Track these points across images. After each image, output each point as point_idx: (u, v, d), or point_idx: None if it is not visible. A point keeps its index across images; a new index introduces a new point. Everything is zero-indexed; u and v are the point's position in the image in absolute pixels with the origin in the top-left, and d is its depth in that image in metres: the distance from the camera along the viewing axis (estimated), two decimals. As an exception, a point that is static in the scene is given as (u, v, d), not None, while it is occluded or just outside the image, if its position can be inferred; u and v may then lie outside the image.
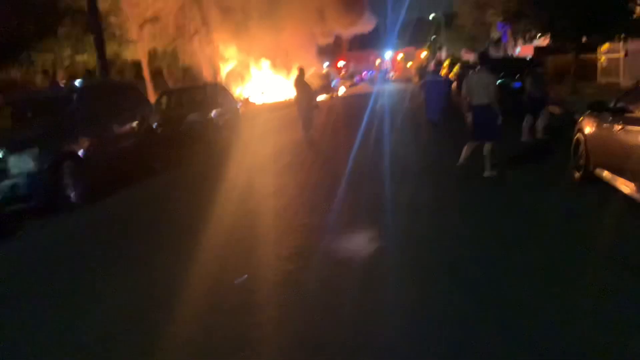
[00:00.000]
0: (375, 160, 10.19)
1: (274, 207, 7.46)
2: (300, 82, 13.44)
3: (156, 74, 49.23)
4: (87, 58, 27.11)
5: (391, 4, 68.58)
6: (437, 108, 15.88)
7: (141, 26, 32.47)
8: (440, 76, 17.98)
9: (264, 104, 30.67)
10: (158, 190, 9.85)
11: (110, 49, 35.64)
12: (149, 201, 8.89)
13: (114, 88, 11.09)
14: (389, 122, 16.65)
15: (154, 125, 11.70)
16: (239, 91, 34.04)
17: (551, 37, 18.20)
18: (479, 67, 8.32)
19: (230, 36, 32.59)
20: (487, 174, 8.01)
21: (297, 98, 13.53)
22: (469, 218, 6.18)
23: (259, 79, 34.94)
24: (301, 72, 13.47)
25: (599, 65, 22.60)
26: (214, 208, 7.67)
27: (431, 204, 6.95)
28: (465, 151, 8.28)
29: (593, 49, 21.12)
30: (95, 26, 16.05)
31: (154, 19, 32.11)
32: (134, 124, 10.67)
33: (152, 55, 39.44)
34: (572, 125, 8.50)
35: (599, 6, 15.96)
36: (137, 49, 35.42)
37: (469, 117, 8.17)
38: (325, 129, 16.44)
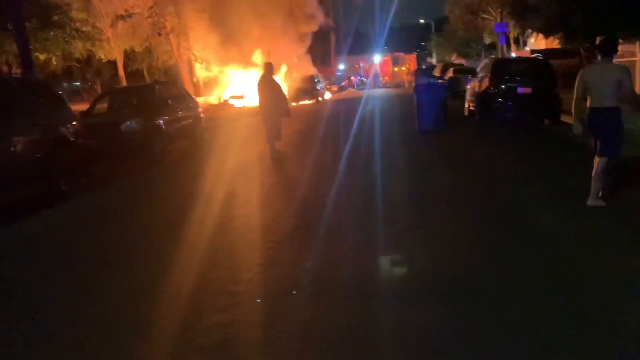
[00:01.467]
0: (365, 190, 7.34)
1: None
2: (267, 82, 10.62)
3: (136, 75, 46.45)
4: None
5: (379, 9, 66.05)
6: (432, 116, 13.13)
7: (112, 24, 29.53)
8: (436, 77, 15.13)
9: (243, 107, 27.79)
10: (47, 225, 6.97)
11: (83, 47, 32.90)
12: (20, 245, 6.02)
13: (8, 87, 8.21)
14: (380, 131, 13.86)
15: (72, 133, 8.84)
16: (216, 94, 31.16)
17: (562, 37, 15.47)
18: (600, 57, 5.65)
19: (208, 35, 29.71)
20: (591, 202, 5.68)
21: (262, 102, 10.71)
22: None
23: (239, 80, 32.02)
24: (268, 69, 10.65)
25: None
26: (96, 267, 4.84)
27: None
28: (597, 177, 5.67)
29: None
30: (14, 15, 13.16)
31: (127, 16, 29.12)
32: (35, 133, 7.81)
33: (130, 54, 36.59)
34: None
35: (621, 1, 13.29)
36: (111, 47, 32.56)
37: (578, 126, 5.85)
38: (300, 141, 13.61)
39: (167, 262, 4.90)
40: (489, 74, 13.16)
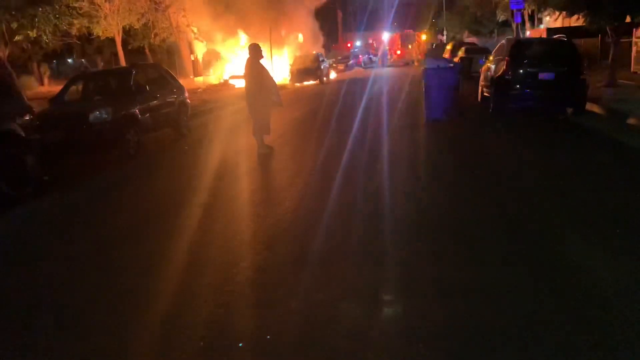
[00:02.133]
0: (362, 212, 5.98)
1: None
2: (253, 67, 9.22)
3: (138, 53, 44.93)
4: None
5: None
6: (442, 104, 11.69)
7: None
8: (447, 60, 13.62)
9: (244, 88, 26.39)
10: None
11: (79, 24, 31.43)
12: None
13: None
14: (385, 121, 12.44)
15: (26, 127, 7.55)
16: (217, 72, 29.64)
17: (587, 16, 13.79)
18: None
19: (208, 10, 28.07)
20: None
21: (248, 90, 9.32)
22: None
23: (241, 59, 30.40)
24: (254, 51, 9.23)
25: (633, 50, 18.31)
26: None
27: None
28: None
29: (626, 32, 16.79)
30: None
31: (121, -10, 27.54)
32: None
33: (129, 32, 35.06)
34: None
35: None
36: (109, 24, 31.06)
37: None
38: (295, 133, 12.23)
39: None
40: (506, 57, 11.64)
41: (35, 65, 37.98)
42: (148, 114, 10.50)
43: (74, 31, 33.15)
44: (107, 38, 36.72)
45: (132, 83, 10.41)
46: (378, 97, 18.22)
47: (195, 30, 28.24)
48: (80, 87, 11.11)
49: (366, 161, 8.22)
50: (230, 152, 9.99)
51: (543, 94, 11.30)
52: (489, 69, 13.34)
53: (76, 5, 26.56)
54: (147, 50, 42.84)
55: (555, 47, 12.01)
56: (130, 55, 45.01)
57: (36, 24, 21.84)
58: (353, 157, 8.59)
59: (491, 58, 13.65)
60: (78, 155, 9.39)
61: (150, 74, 11.43)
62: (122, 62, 35.26)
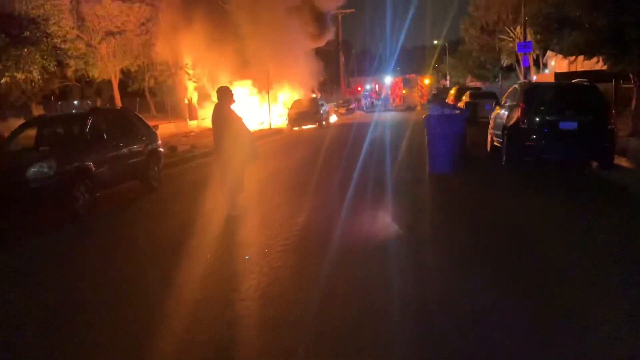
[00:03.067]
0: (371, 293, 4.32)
1: None
2: (222, 115, 7.66)
3: (138, 96, 44.05)
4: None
5: (390, 29, 63.49)
6: (447, 156, 10.08)
7: (101, 41, 27.05)
8: (452, 106, 12.09)
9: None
10: None
11: (75, 65, 30.51)
12: None
13: None
14: (386, 175, 10.82)
15: None
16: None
17: (610, 58, 12.26)
18: None
19: (204, 52, 26.99)
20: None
21: (217, 142, 7.73)
22: None
23: (237, 100, 29.21)
24: (224, 96, 7.69)
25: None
26: None
27: None
28: None
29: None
30: None
31: (116, 33, 26.61)
32: None
33: (131, 73, 34.17)
34: None
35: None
36: (105, 66, 30.13)
37: None
38: (280, 186, 10.59)
39: None
40: (520, 103, 10.09)
41: (33, 106, 36.80)
42: (106, 166, 8.91)
43: (69, 73, 32.43)
44: (107, 80, 35.97)
45: (87, 130, 8.85)
46: (379, 144, 16.65)
47: (190, 72, 27.14)
48: (34, 133, 9.56)
49: (362, 231, 6.54)
50: (199, 210, 8.32)
51: (564, 146, 9.69)
52: (499, 115, 11.79)
53: (64, 46, 25.64)
54: (146, 93, 42.08)
55: (577, 92, 10.46)
56: (130, 97, 44.20)
57: (22, 65, 20.61)
58: (346, 223, 6.91)
59: (502, 104, 12.12)
60: (12, 217, 7.74)
61: (113, 119, 9.90)
62: (119, 105, 34.27)
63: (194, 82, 27.63)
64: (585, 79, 13.14)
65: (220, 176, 7.89)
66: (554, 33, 13.44)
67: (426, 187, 9.27)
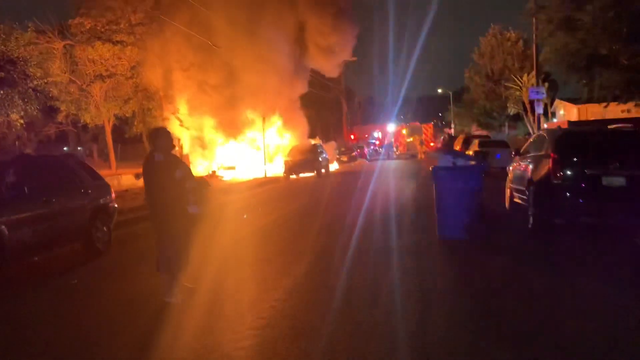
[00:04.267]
0: None
1: None
2: (156, 166, 5.62)
3: (137, 142, 42.51)
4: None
5: (393, 78, 62.41)
6: (461, 217, 8.01)
7: (90, 84, 25.65)
8: (466, 156, 10.08)
9: (232, 181, 23.00)
10: None
11: (66, 110, 29.12)
12: None
13: None
14: (386, 240, 8.75)
15: None
16: (205, 164, 26.48)
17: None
18: None
19: (196, 96, 25.42)
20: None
21: (150, 198, 5.68)
22: None
23: (231, 148, 27.35)
24: (161, 140, 5.71)
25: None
26: None
27: None
28: None
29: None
30: None
31: (106, 76, 25.20)
32: None
33: (129, 119, 32.73)
34: None
35: None
36: (98, 112, 28.67)
37: None
38: (255, 251, 8.48)
39: None
40: (551, 154, 8.08)
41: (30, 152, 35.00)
42: (25, 228, 6.88)
43: (60, 118, 30.95)
44: (102, 125, 34.49)
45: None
46: (381, 196, 14.58)
47: (181, 117, 25.50)
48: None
49: (353, 333, 4.42)
50: (142, 289, 6.20)
51: (608, 206, 7.60)
52: (520, 167, 9.78)
53: (54, 90, 24.22)
54: (144, 139, 40.61)
55: (623, 140, 8.45)
56: (128, 143, 42.64)
57: (-2, 108, 18.94)
58: (334, 316, 4.80)
59: (522, 153, 10.12)
60: None
61: (46, 169, 7.92)
62: (111, 151, 32.65)
63: (185, 128, 25.95)
64: (630, 124, 11.15)
65: (155, 247, 5.82)
66: (582, 72, 11.52)
67: (435, 259, 7.15)
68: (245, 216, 12.23)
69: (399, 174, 24.53)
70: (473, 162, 8.63)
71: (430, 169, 8.41)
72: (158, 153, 5.56)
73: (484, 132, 45.08)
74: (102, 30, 24.85)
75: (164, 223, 5.51)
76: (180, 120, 25.24)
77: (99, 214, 8.48)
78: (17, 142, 38.85)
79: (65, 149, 42.37)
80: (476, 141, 22.51)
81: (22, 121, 21.20)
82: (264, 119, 23.56)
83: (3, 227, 6.52)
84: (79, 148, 43.59)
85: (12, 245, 6.65)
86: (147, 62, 24.47)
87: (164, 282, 5.59)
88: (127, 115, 30.51)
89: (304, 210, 13.29)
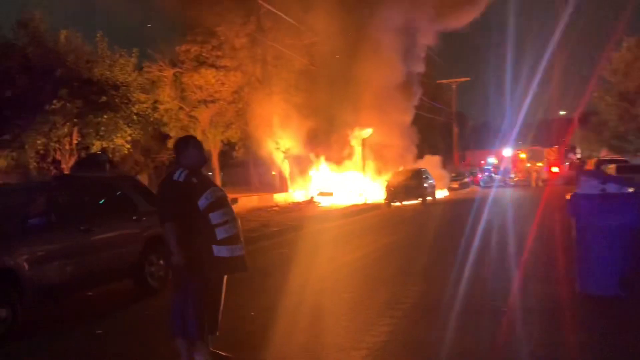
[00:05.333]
0: None
1: None
2: (178, 189, 3.97)
3: (243, 167, 42.95)
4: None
5: (510, 100, 58.10)
6: (616, 264, 5.66)
7: (193, 109, 25.81)
8: (620, 180, 7.49)
9: (330, 208, 21.51)
10: None
11: (175, 135, 29.74)
12: None
13: None
14: (510, 286, 6.64)
15: None
16: (302, 191, 25.29)
17: None
18: None
19: (296, 121, 24.48)
20: None
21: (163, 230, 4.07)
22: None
23: (329, 173, 25.89)
24: (182, 155, 4.12)
25: None
26: None
27: None
28: None
29: None
30: None
31: (210, 102, 25.22)
32: None
33: (230, 144, 32.95)
34: None
35: None
36: (205, 137, 28.94)
37: None
38: (330, 299, 6.70)
39: None
40: None
41: (146, 177, 36.31)
42: (55, 263, 5.75)
43: (169, 144, 31.77)
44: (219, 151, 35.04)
45: (35, 209, 5.81)
46: (497, 231, 12.17)
47: (279, 142, 24.65)
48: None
49: None
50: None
51: None
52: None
53: (163, 117, 24.66)
54: (251, 164, 40.83)
55: None
56: (232, 167, 42.93)
57: (101, 132, 19.23)
58: None
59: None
60: None
61: (89, 193, 6.82)
62: (217, 176, 32.87)
63: (282, 152, 25.08)
64: None
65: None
66: None
67: (580, 325, 4.91)
68: (283, 250, 10.62)
69: (518, 203, 21.53)
70: (632, 189, 6.18)
71: (568, 197, 6.14)
72: (181, 171, 4.03)
73: (616, 157, 39.83)
74: (207, 55, 24.95)
75: (180, 269, 3.95)
76: (278, 144, 24.43)
77: (154, 245, 7.21)
78: (134, 168, 41.06)
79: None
80: (612, 166, 19.05)
81: (128, 146, 21.59)
82: (363, 144, 21.93)
83: (23, 263, 5.39)
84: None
85: (35, 285, 5.51)
86: (249, 87, 24.07)
87: (180, 351, 4.01)
88: (232, 140, 30.57)
89: (402, 245, 11.31)
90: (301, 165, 26.24)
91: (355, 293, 6.61)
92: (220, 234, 3.92)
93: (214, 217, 3.92)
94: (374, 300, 6.14)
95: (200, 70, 25.44)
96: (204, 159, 4.18)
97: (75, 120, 18.29)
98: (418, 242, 11.20)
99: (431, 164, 28.69)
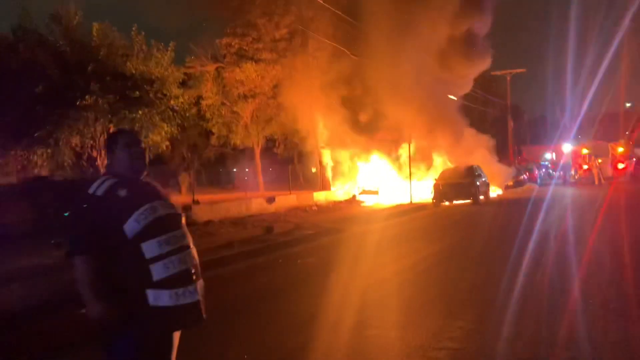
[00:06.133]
0: None
1: None
2: (99, 205, 2.71)
3: (287, 162, 42.06)
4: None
5: (571, 93, 54.15)
6: None
7: (235, 104, 24.89)
8: None
9: (374, 207, 20.02)
10: None
11: (218, 132, 29.13)
12: None
13: None
14: (583, 310, 5.07)
15: None
16: (346, 186, 23.87)
17: None
18: None
19: (336, 112, 23.05)
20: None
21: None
22: None
23: (374, 170, 24.27)
24: (111, 154, 2.79)
25: None
26: None
27: None
28: None
29: None
30: None
31: (250, 96, 24.22)
32: None
33: (273, 140, 31.98)
34: None
35: None
36: (248, 134, 28.12)
37: None
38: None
39: None
40: None
41: (188, 175, 35.65)
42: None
43: (213, 140, 31.08)
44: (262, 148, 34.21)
45: None
46: (560, 238, 10.45)
47: (320, 137, 23.30)
48: None
49: None
50: None
51: None
52: None
53: (207, 113, 23.88)
54: (295, 160, 39.71)
55: None
56: (279, 164, 41.88)
57: (137, 128, 18.51)
58: None
59: None
60: None
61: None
62: (259, 174, 31.97)
63: (323, 147, 23.71)
64: None
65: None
66: None
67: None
68: (299, 261, 9.19)
69: (582, 205, 19.35)
70: None
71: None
72: (103, 180, 2.75)
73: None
74: (247, 48, 23.96)
75: (102, 324, 2.67)
76: (319, 140, 23.09)
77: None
78: (181, 164, 40.85)
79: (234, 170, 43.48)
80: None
81: (167, 143, 20.82)
82: (409, 137, 20.24)
83: None
84: (234, 170, 44.47)
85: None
86: (289, 80, 22.87)
87: None
88: (275, 136, 29.55)
89: (451, 254, 9.74)
90: (345, 162, 24.83)
91: (383, 329, 5.20)
92: (158, 272, 2.62)
93: (148, 248, 2.62)
94: (404, 342, 4.70)
95: (242, 64, 24.51)
96: (142, 164, 2.87)
97: (109, 116, 17.63)
98: (467, 253, 9.61)
99: (484, 159, 26.59)
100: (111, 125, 18.25)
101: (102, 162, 18.90)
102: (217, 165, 43.73)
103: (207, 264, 8.33)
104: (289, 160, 40.74)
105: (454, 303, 5.93)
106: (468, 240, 11.48)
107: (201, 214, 14.49)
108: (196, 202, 15.86)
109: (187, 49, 24.18)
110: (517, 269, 7.01)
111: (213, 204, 16.09)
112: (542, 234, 10.96)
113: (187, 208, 14.38)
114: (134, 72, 17.77)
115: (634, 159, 34.96)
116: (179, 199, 21.86)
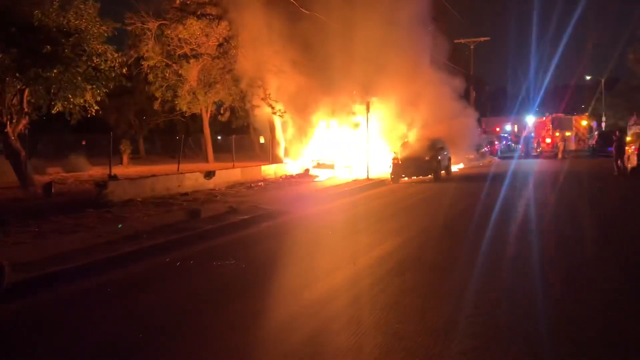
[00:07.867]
0: None
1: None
2: None
3: (242, 132, 39.39)
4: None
5: (535, 63, 53.15)
6: None
7: (180, 66, 22.12)
8: None
9: (328, 182, 17.92)
10: None
11: (162, 96, 26.37)
12: None
13: None
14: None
15: None
16: (299, 159, 21.66)
17: None
18: None
19: (292, 79, 20.60)
20: None
21: None
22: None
23: (331, 139, 21.91)
24: None
25: None
26: None
27: None
28: None
29: None
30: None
31: (192, 56, 21.45)
32: None
33: (234, 111, 29.29)
34: None
35: None
36: (195, 100, 25.38)
37: None
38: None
39: None
40: None
41: (130, 143, 32.35)
42: None
43: (156, 105, 28.12)
44: (213, 115, 31.39)
45: None
46: (522, 215, 8.63)
47: (275, 106, 20.83)
48: None
49: None
50: None
51: None
52: None
53: (151, 77, 21.00)
54: (250, 129, 37.01)
55: None
56: (235, 133, 39.26)
57: (54, 91, 15.68)
58: None
59: None
60: None
61: None
62: (208, 143, 29.32)
63: (278, 115, 21.26)
64: None
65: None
66: None
67: None
68: (215, 263, 7.01)
69: (549, 180, 17.83)
70: None
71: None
72: None
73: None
74: (190, 2, 21.08)
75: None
76: (273, 107, 20.63)
77: None
78: (129, 131, 37.55)
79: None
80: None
81: (96, 107, 17.88)
82: (368, 105, 18.07)
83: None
84: (176, 138, 41.51)
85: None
86: (235, 39, 20.22)
87: None
88: (223, 102, 26.91)
89: (409, 250, 7.74)
90: (299, 131, 22.47)
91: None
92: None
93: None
94: None
95: (186, 21, 21.67)
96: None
97: (17, 75, 14.74)
98: (427, 249, 7.65)
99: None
100: (24, 87, 15.41)
101: (13, 129, 16.06)
102: (174, 134, 40.57)
103: (86, 267, 6.13)
104: (245, 130, 38.03)
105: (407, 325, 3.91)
106: (429, 229, 9.53)
107: (120, 192, 12.06)
108: (114, 178, 13.34)
109: (127, 4, 21.08)
110: (505, 264, 5.06)
111: (136, 180, 13.61)
112: (517, 211, 9.15)
113: (101, 185, 11.93)
114: (48, 22, 14.83)
115: (597, 133, 34.07)
116: (116, 170, 19.18)
